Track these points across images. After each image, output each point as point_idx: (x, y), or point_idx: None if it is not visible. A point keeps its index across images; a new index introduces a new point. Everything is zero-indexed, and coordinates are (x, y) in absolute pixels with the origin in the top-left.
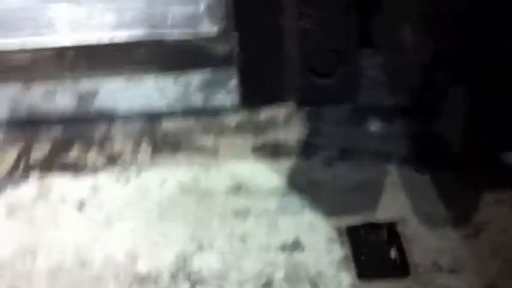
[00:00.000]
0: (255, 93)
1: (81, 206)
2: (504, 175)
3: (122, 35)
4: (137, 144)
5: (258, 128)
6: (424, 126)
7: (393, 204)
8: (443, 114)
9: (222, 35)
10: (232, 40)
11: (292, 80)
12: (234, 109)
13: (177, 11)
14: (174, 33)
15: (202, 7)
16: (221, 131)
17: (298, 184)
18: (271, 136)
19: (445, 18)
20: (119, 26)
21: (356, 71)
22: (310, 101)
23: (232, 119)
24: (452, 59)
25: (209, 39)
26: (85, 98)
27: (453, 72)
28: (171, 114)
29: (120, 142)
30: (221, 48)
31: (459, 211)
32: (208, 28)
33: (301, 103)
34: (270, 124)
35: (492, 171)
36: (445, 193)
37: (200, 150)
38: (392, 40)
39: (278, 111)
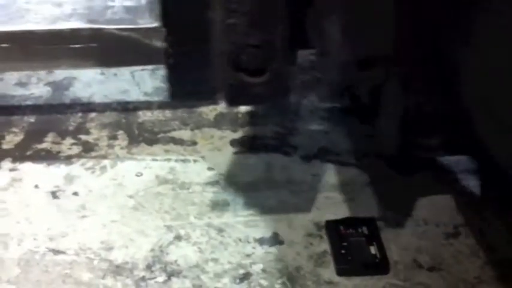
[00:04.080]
0: (184, 90)
1: (54, 194)
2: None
3: (60, 27)
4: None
5: (237, 122)
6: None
7: (373, 203)
8: (379, 114)
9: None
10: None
11: (222, 77)
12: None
13: (117, 5)
14: (113, 27)
15: (143, 1)
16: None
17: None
18: (249, 130)
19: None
20: (58, 18)
21: (287, 70)
22: (239, 99)
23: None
24: (386, 57)
25: (149, 34)
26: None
27: (387, 70)
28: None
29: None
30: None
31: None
32: (149, 22)
33: (229, 101)
34: (248, 118)
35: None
36: (420, 194)
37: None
38: (325, 39)
39: (257, 106)
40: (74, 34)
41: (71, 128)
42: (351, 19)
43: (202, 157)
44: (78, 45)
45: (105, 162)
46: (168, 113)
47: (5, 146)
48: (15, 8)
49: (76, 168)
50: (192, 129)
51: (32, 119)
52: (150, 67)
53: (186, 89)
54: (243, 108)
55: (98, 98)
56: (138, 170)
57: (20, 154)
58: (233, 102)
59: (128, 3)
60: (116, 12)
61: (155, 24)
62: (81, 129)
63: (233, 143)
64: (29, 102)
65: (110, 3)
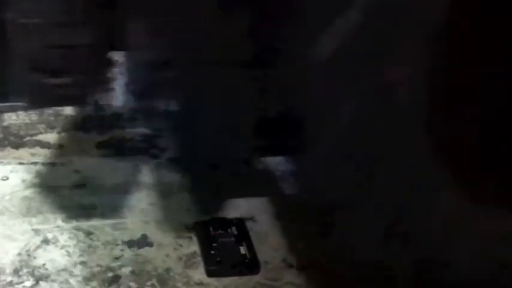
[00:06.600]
0: None
1: None
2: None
3: None
4: None
5: (103, 125)
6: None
7: (242, 203)
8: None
9: None
10: None
11: (21, 79)
12: None
13: None
14: None
15: None
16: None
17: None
18: (116, 133)
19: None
20: None
21: (94, 71)
22: (42, 100)
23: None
24: (185, 59)
25: None
26: None
27: (177, 73)
28: None
29: None
30: None
31: None
32: None
33: (33, 102)
34: (115, 121)
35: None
36: None
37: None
38: (129, 39)
39: (123, 108)
40: None
41: None
42: (154, 21)
43: (69, 160)
44: None
45: None
46: (33, 116)
47: None
48: None
49: None
50: (58, 133)
51: None
52: None
53: None
54: (110, 111)
55: None
56: (4, 174)
57: None
58: (35, 103)
59: None
60: None
61: None
62: None
63: (100, 145)
64: None
65: None
